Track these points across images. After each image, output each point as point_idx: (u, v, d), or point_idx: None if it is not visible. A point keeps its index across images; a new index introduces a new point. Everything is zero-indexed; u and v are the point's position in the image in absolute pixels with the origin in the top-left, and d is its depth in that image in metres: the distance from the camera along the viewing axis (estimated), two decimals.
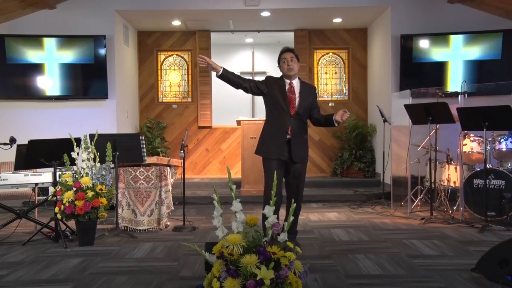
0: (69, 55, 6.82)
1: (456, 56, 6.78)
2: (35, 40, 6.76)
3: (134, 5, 6.99)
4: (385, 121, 6.29)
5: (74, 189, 4.10)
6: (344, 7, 7.02)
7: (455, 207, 5.31)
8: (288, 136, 3.87)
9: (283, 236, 2.29)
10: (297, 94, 3.93)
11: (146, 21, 7.68)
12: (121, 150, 4.58)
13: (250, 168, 6.55)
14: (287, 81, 3.96)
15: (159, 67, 8.45)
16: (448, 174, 5.49)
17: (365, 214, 5.64)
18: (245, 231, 2.28)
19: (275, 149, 3.87)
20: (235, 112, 8.60)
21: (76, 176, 4.23)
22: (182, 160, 4.91)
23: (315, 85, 8.29)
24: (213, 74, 3.93)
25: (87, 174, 4.25)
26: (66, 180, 4.22)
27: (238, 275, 2.12)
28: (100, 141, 4.39)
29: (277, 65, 4.05)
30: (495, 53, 6.64)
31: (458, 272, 3.22)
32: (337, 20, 7.73)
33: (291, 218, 2.37)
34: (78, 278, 3.23)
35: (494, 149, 5.25)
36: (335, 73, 8.45)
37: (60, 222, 4.35)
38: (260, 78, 4.13)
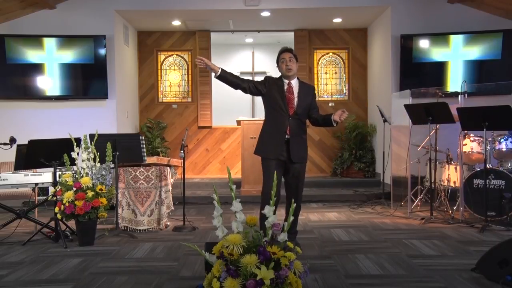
0: (69, 55, 6.82)
1: (456, 56, 6.78)
2: (35, 40, 6.76)
3: (134, 5, 6.99)
4: (385, 121, 6.29)
5: (74, 189, 4.10)
6: (344, 7, 7.02)
7: (455, 207, 5.31)
8: (286, 136, 3.87)
9: (283, 236, 2.29)
10: (295, 94, 3.93)
11: (146, 21, 7.68)
12: (121, 150, 4.58)
13: (250, 168, 6.55)
14: (286, 81, 3.97)
15: (159, 67, 8.45)
16: (448, 174, 5.49)
17: (365, 214, 5.64)
18: (245, 231, 2.28)
19: (274, 149, 3.87)
20: (235, 112, 8.60)
21: (76, 176, 4.23)
22: (182, 160, 4.91)
23: (315, 85, 8.32)
24: (213, 74, 3.93)
25: (87, 174, 4.25)
26: (66, 180, 4.22)
27: (238, 275, 2.12)
28: (100, 141, 4.39)
29: (276, 65, 4.06)
30: (495, 53, 6.64)
31: (458, 272, 3.22)
32: (337, 20, 7.73)
33: (291, 218, 2.38)
34: (78, 278, 3.23)
35: (494, 149, 5.25)
36: (335, 73, 8.45)
37: (60, 222, 4.35)
38: (260, 78, 4.13)
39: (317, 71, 8.43)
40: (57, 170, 4.49)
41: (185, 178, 5.10)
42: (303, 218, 5.38)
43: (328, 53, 8.43)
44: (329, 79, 8.45)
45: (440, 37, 6.83)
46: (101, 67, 6.84)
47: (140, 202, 4.89)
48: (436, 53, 6.85)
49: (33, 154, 4.37)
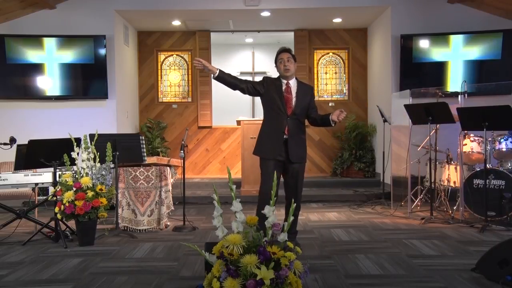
0: (69, 55, 6.82)
1: (456, 56, 6.78)
2: (35, 40, 6.76)
3: (134, 5, 6.99)
4: (385, 121, 6.29)
5: (74, 189, 4.10)
6: (344, 7, 7.02)
7: (455, 207, 5.31)
8: (285, 136, 3.87)
9: (283, 236, 2.29)
10: (293, 94, 3.94)
11: (146, 21, 7.68)
12: (121, 150, 4.58)
13: (250, 168, 6.54)
14: (284, 81, 3.97)
15: (159, 67, 8.45)
16: (448, 174, 5.49)
17: (365, 214, 5.64)
18: (245, 231, 2.28)
19: (272, 150, 3.88)
20: (235, 112, 8.60)
21: (76, 176, 4.23)
22: (182, 160, 4.91)
23: (315, 85, 8.32)
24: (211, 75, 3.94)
25: (87, 174, 4.25)
26: (66, 180, 4.22)
27: (238, 275, 2.12)
28: (100, 141, 4.39)
29: (274, 65, 4.06)
30: (495, 53, 6.64)
31: (458, 272, 3.22)
32: (337, 20, 7.73)
33: (291, 218, 2.38)
34: (78, 278, 3.23)
35: (494, 149, 5.25)
36: (335, 73, 8.45)
37: (60, 222, 4.35)
38: (260, 78, 4.13)
39: (317, 71, 8.43)
40: (57, 170, 4.49)
41: (185, 178, 5.10)
42: (303, 218, 5.38)
43: (328, 53, 8.43)
44: (329, 79, 8.45)
45: (440, 37, 6.83)
46: (101, 67, 6.84)
47: (140, 202, 4.89)
48: (436, 53, 6.85)
49: (33, 154, 4.37)
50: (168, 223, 5.07)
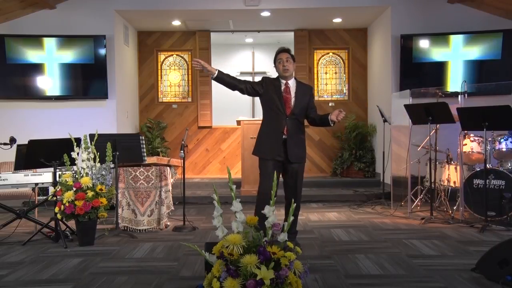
0: (69, 55, 6.82)
1: (456, 56, 6.78)
2: (35, 40, 6.76)
3: (134, 5, 6.99)
4: (385, 121, 6.29)
5: (74, 189, 4.10)
6: (344, 7, 7.02)
7: (455, 207, 5.31)
8: (284, 136, 3.87)
9: (283, 236, 2.29)
10: (292, 94, 3.95)
11: (146, 21, 7.68)
12: (121, 150, 4.58)
13: (250, 168, 6.54)
14: (283, 81, 3.98)
15: (159, 67, 8.45)
16: (448, 174, 5.49)
17: (365, 214, 5.64)
18: (245, 231, 2.28)
19: (271, 150, 3.88)
20: (235, 112, 8.60)
21: (76, 176, 4.23)
22: (182, 160, 4.91)
23: (315, 85, 8.32)
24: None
25: (87, 174, 4.25)
26: (66, 180, 4.22)
27: (238, 275, 2.12)
28: (100, 141, 4.39)
29: (273, 65, 4.07)
30: (495, 53, 6.64)
31: (458, 272, 3.22)
32: (337, 20, 7.73)
33: (291, 218, 2.38)
34: (78, 278, 3.23)
35: (494, 149, 5.25)
36: (335, 73, 8.45)
37: (60, 222, 4.35)
38: (260, 78, 4.14)
39: (317, 71, 8.43)
40: (57, 170, 4.49)
41: (185, 178, 5.10)
42: (303, 218, 5.38)
43: (328, 53, 8.43)
44: (329, 79, 8.45)
45: (440, 37, 6.83)
46: (101, 67, 6.84)
47: (140, 202, 4.89)
48: (436, 53, 6.85)
49: (33, 154, 4.37)
50: (168, 223, 5.07)
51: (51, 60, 6.79)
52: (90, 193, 4.09)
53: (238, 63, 9.93)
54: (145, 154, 4.72)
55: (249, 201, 5.97)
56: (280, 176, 3.99)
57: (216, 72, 3.84)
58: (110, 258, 3.77)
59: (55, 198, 4.25)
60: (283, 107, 3.89)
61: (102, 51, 6.83)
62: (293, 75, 4.04)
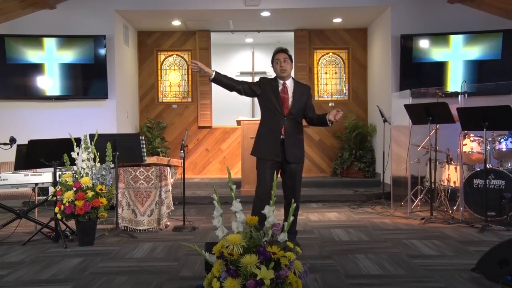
0: (69, 55, 6.82)
1: (456, 56, 6.78)
2: (35, 40, 6.76)
3: (134, 5, 6.99)
4: (385, 121, 6.29)
5: (74, 189, 4.10)
6: (344, 7, 7.02)
7: (455, 207, 5.31)
8: (281, 137, 3.87)
9: (283, 236, 2.29)
10: (290, 94, 3.94)
11: (146, 21, 7.68)
12: (121, 150, 4.58)
13: (250, 168, 6.53)
14: (281, 81, 3.98)
15: (159, 67, 8.45)
16: (448, 174, 5.49)
17: (365, 214, 5.64)
18: (245, 231, 2.28)
19: (269, 150, 3.88)
20: (235, 112, 8.60)
21: (76, 176, 4.23)
22: (182, 160, 4.91)
23: (315, 85, 8.32)
24: None
25: (87, 174, 4.25)
26: (66, 180, 4.22)
27: (238, 275, 2.12)
28: (100, 141, 4.39)
29: (271, 65, 4.07)
30: (495, 53, 6.64)
31: (458, 272, 3.22)
32: (337, 20, 7.73)
33: (291, 218, 2.38)
34: (78, 278, 3.23)
35: (494, 149, 5.25)
36: (335, 73, 8.45)
37: (60, 222, 4.35)
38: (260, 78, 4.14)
39: (317, 71, 8.43)
40: (57, 170, 4.49)
41: (185, 178, 5.10)
42: (303, 218, 5.38)
43: (328, 53, 8.43)
44: (329, 79, 8.45)
45: (440, 37, 6.83)
46: (101, 67, 6.83)
47: (140, 202, 4.89)
48: (436, 53, 6.85)
49: (33, 154, 4.37)
50: (168, 223, 5.07)
51: (51, 60, 6.79)
52: (90, 193, 4.09)
53: (238, 63, 9.93)
54: (145, 154, 4.72)
55: (249, 201, 5.93)
56: (278, 176, 3.99)
57: (214, 73, 3.85)
58: (110, 258, 3.77)
59: (55, 198, 4.25)
60: (281, 107, 3.89)
61: (102, 51, 6.83)
62: (291, 75, 4.04)
